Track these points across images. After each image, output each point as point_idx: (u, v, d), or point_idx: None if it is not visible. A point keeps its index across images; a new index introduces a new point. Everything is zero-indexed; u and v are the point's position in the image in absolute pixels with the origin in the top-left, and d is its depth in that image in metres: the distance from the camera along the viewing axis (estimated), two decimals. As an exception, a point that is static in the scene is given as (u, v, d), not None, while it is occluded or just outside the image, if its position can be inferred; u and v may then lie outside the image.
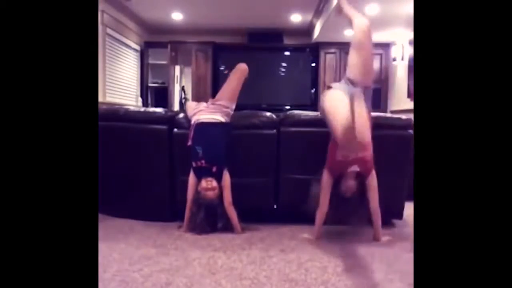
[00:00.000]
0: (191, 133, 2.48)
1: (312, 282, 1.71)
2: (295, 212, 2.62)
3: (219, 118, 2.52)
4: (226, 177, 2.42)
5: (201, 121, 2.49)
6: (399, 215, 2.71)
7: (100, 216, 2.69)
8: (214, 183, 2.37)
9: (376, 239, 2.33)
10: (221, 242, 2.25)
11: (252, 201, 2.62)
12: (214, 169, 2.39)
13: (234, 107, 2.63)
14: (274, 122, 2.66)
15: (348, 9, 2.56)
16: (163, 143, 2.65)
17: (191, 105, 2.89)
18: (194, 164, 2.42)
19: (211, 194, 2.37)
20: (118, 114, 2.74)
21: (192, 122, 2.54)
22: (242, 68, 2.71)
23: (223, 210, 2.41)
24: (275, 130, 2.64)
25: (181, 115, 2.74)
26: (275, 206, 2.69)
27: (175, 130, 2.65)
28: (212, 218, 2.40)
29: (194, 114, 2.58)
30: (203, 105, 2.68)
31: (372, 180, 2.31)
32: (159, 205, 2.71)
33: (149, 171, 2.69)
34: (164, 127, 2.66)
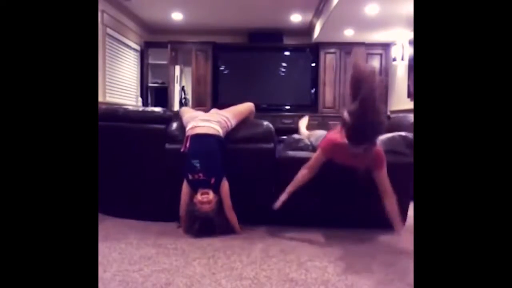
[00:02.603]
0: (187, 143, 2.42)
1: (312, 282, 1.71)
2: (295, 212, 2.63)
3: (216, 127, 2.45)
4: (225, 186, 2.36)
5: (197, 132, 2.42)
6: (402, 217, 2.69)
7: (100, 216, 2.69)
8: (211, 196, 2.31)
9: (396, 228, 2.20)
10: (221, 242, 2.25)
11: (252, 202, 2.62)
12: (212, 180, 2.33)
13: (234, 125, 2.58)
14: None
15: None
16: (163, 143, 2.64)
17: (187, 110, 2.86)
18: (190, 177, 2.35)
19: (206, 207, 2.31)
20: (117, 114, 2.74)
21: (188, 128, 2.48)
22: (251, 105, 2.80)
23: (220, 220, 2.36)
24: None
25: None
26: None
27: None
28: (209, 229, 2.35)
29: (191, 119, 2.53)
30: (201, 112, 2.68)
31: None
32: (159, 205, 2.71)
33: (149, 171, 2.69)
34: (163, 126, 2.65)
